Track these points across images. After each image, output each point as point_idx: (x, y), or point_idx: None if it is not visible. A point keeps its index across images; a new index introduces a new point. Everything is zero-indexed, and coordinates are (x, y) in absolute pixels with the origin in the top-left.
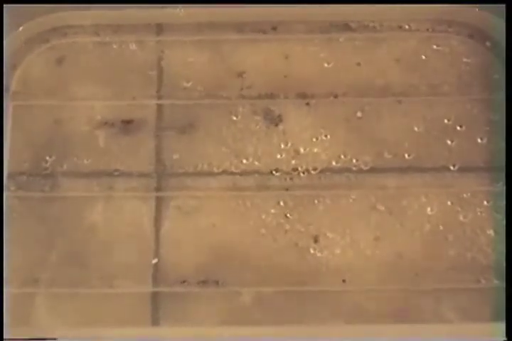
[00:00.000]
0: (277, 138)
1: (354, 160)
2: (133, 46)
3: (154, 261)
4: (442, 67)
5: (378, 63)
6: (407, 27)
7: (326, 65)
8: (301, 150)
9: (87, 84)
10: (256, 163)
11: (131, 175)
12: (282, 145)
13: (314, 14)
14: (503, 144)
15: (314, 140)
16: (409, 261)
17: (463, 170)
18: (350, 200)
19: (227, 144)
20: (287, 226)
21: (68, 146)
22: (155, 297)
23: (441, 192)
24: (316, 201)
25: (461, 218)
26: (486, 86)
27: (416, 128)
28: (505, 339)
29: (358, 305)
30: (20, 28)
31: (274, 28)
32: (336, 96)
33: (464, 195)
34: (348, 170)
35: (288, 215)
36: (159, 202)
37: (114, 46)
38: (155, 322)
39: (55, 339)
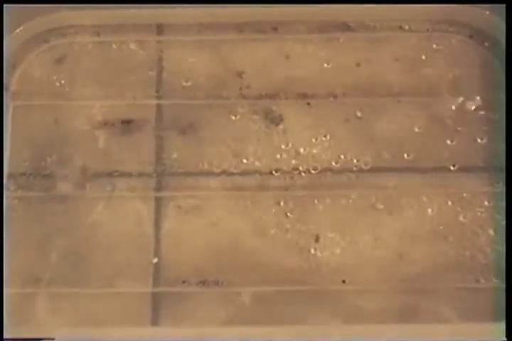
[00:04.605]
0: (277, 138)
1: (354, 160)
2: (133, 46)
3: (154, 260)
4: (442, 67)
5: (378, 63)
6: (407, 27)
7: (325, 65)
8: (301, 150)
9: (87, 84)
10: (256, 163)
11: (131, 175)
12: (282, 146)
13: (314, 14)
14: (503, 144)
15: (314, 140)
16: (409, 261)
17: (463, 170)
18: (350, 200)
19: (227, 144)
20: (287, 226)
21: (68, 146)
22: (155, 297)
23: (441, 192)
24: (316, 201)
25: (461, 218)
26: (486, 86)
27: (416, 128)
28: (505, 339)
29: (357, 305)
30: (20, 28)
31: (274, 28)
32: (335, 97)
33: (464, 195)
34: (348, 170)
35: (288, 215)
36: (159, 202)
37: (114, 46)
38: (155, 322)
39: (54, 339)
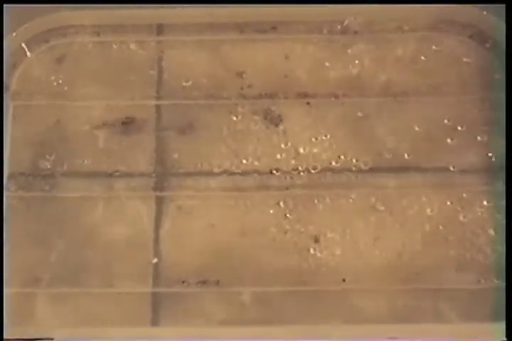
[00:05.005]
0: (277, 138)
1: (354, 160)
2: (133, 46)
3: (154, 260)
4: (442, 67)
5: (378, 63)
6: (407, 27)
7: (326, 64)
8: (301, 150)
9: (87, 84)
10: (256, 162)
11: (131, 175)
12: (282, 145)
13: (314, 14)
14: (503, 144)
15: (314, 140)
16: (409, 261)
17: (463, 170)
18: (350, 200)
19: (227, 144)
20: (287, 226)
21: (68, 146)
22: (155, 297)
23: (441, 192)
24: (316, 201)
25: (461, 218)
26: (486, 86)
27: (416, 128)
28: (505, 339)
29: (357, 305)
30: (20, 28)
31: (274, 28)
32: (336, 97)
33: (464, 195)
34: (348, 170)
35: (288, 215)
36: (159, 202)
37: (114, 46)
38: (155, 322)
39: (53, 339)
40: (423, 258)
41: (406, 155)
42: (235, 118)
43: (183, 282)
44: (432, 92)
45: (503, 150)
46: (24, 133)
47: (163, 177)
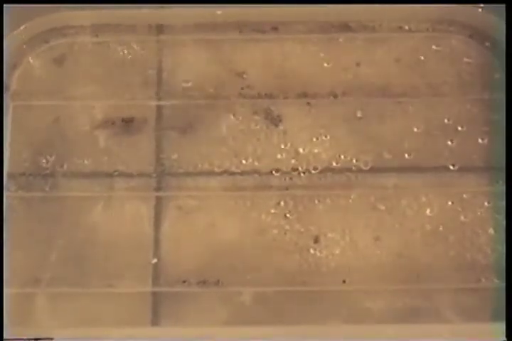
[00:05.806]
0: (277, 138)
1: (354, 160)
2: (133, 46)
3: (154, 260)
4: (442, 67)
5: (378, 63)
6: (406, 27)
7: (325, 64)
8: (301, 150)
9: (87, 84)
10: (256, 163)
11: (131, 175)
12: (282, 145)
13: (314, 14)
14: (503, 144)
15: (314, 140)
16: (410, 261)
17: (463, 170)
18: (350, 200)
19: (227, 144)
20: (287, 227)
21: (68, 146)
22: (155, 297)
23: (441, 192)
24: (316, 201)
25: (461, 218)
26: (486, 86)
27: (416, 128)
28: (505, 339)
29: (358, 305)
30: (20, 28)
31: (274, 28)
32: (335, 96)
33: (464, 195)
34: (348, 170)
35: (288, 215)
36: (159, 202)
37: (114, 46)
38: (155, 322)
39: (53, 339)
40: (423, 258)
41: (406, 155)
42: (234, 119)
43: (183, 282)
44: (432, 92)
45: (503, 150)
46: (24, 133)
47: (163, 177)
